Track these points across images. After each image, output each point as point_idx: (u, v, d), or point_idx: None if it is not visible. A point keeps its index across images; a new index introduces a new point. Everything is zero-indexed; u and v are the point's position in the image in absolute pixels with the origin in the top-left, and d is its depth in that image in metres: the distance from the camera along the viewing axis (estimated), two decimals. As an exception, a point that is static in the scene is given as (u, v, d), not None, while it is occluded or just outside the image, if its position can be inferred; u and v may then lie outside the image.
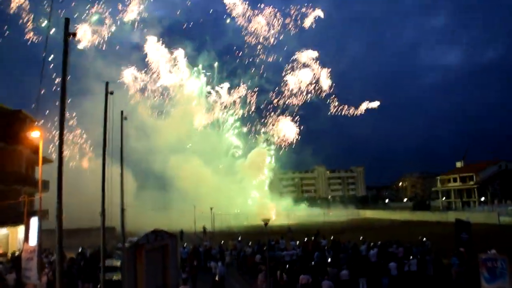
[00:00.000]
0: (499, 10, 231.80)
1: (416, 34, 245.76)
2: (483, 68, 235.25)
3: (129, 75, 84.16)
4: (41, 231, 21.99)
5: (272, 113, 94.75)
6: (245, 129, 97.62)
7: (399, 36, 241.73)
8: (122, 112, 22.11)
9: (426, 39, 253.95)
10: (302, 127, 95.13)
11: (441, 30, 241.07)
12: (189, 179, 79.42)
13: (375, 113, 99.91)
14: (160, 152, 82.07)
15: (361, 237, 33.98)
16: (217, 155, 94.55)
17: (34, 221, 30.45)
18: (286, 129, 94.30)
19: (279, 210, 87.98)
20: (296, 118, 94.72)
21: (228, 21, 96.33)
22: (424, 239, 31.03)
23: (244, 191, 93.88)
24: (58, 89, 10.81)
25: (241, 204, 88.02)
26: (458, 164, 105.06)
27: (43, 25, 69.89)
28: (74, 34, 10.80)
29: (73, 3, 74.19)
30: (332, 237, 35.05)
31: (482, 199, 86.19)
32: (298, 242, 32.53)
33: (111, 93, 18.28)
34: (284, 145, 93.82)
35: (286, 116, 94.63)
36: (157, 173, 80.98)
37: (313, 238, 34.77)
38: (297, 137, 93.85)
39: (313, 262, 24.48)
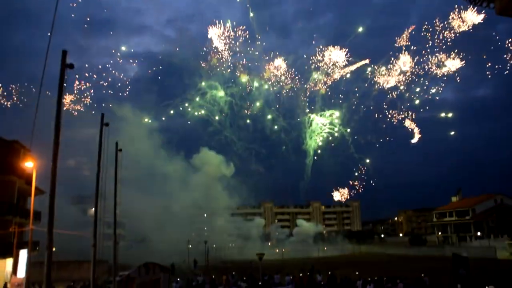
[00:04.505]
0: (489, 49, 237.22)
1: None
2: (476, 104, 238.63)
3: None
4: (29, 264, 21.54)
5: None
6: None
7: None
8: (117, 143, 22.10)
9: (418, 75, 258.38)
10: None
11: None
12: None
13: (370, 148, 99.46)
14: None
15: (357, 273, 33.46)
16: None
17: (23, 254, 29.99)
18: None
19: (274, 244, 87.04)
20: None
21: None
22: (422, 275, 30.57)
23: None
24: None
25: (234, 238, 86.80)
26: (454, 199, 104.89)
27: None
28: (72, 66, 10.90)
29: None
30: (329, 272, 34.50)
31: (479, 233, 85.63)
32: (291, 277, 32.00)
33: (106, 124, 18.32)
34: None
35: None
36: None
37: (308, 273, 34.19)
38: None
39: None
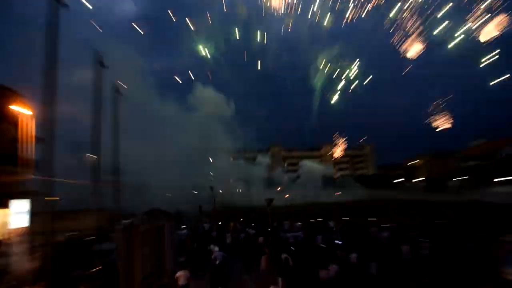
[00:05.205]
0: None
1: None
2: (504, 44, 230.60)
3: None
4: (31, 213, 22.07)
5: None
6: None
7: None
8: (116, 85, 21.95)
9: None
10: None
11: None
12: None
13: (386, 88, 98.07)
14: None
15: (371, 219, 33.98)
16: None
17: (23, 203, 30.65)
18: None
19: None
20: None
21: None
22: (441, 221, 30.94)
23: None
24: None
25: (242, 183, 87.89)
26: (475, 143, 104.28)
27: None
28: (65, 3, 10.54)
29: None
30: (343, 218, 35.09)
31: (503, 178, 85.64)
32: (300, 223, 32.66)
33: (103, 65, 18.03)
34: None
35: None
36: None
37: (320, 220, 34.86)
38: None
39: (323, 245, 24.48)
